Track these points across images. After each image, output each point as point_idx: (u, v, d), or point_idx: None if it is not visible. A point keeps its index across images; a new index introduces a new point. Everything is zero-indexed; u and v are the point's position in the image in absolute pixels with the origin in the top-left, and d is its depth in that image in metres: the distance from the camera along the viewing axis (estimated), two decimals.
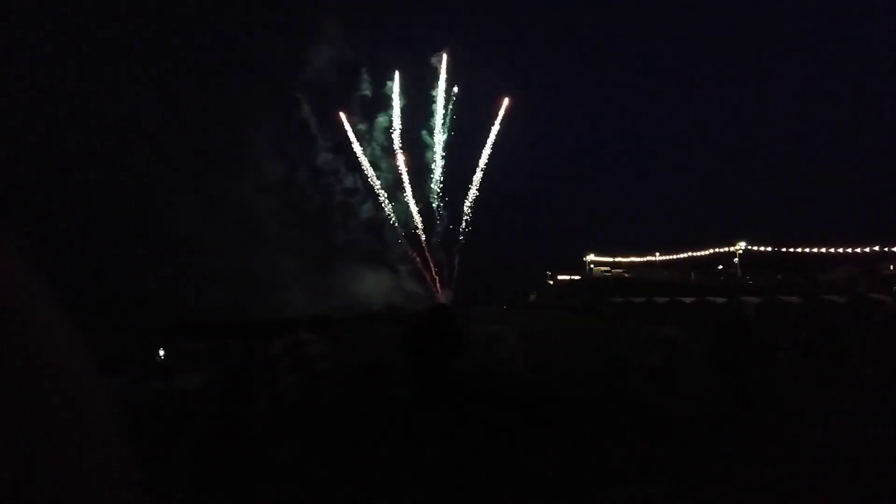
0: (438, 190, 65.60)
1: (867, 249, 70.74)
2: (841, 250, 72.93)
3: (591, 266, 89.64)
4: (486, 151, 63.14)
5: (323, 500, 3.64)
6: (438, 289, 66.03)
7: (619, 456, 4.55)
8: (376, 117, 64.08)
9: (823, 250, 74.20)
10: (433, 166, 65.25)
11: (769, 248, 76.70)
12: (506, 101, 63.09)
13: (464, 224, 65.34)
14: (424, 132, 65.13)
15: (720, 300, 40.12)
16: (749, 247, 76.92)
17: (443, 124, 64.58)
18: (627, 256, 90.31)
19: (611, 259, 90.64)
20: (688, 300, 43.35)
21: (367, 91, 63.72)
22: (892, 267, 65.45)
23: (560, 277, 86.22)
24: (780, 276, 70.40)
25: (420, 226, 65.35)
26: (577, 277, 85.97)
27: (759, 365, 4.60)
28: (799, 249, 75.39)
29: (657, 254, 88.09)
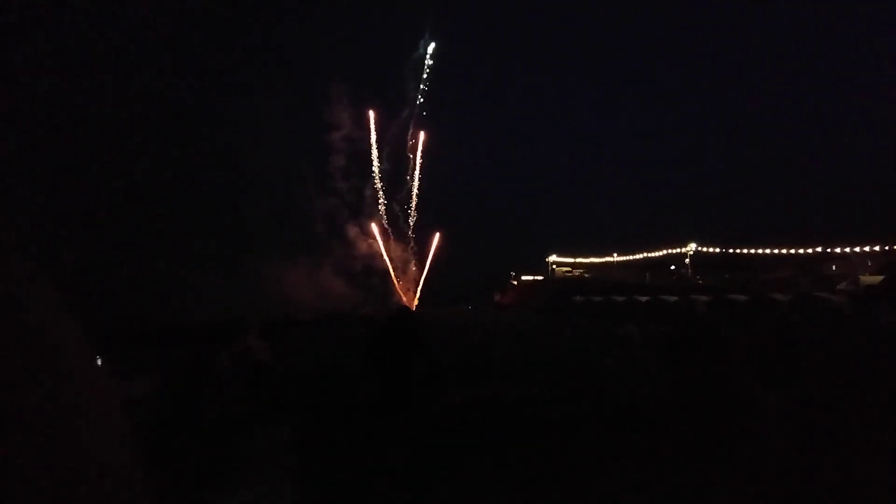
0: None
1: (810, 251, 74.87)
2: (784, 251, 77.03)
3: (554, 266, 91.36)
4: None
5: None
6: (402, 291, 65.74)
7: (581, 449, 4.52)
8: None
9: (768, 251, 78.20)
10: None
11: (717, 249, 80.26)
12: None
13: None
14: None
15: (672, 298, 41.68)
16: (699, 248, 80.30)
17: None
18: (588, 257, 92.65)
19: (572, 259, 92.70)
20: (643, 299, 44.74)
21: None
22: (833, 267, 69.15)
23: (524, 278, 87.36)
24: (727, 276, 73.64)
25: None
26: (541, 278, 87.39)
27: (711, 359, 4.69)
28: (745, 250, 79.20)
29: (615, 254, 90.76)
